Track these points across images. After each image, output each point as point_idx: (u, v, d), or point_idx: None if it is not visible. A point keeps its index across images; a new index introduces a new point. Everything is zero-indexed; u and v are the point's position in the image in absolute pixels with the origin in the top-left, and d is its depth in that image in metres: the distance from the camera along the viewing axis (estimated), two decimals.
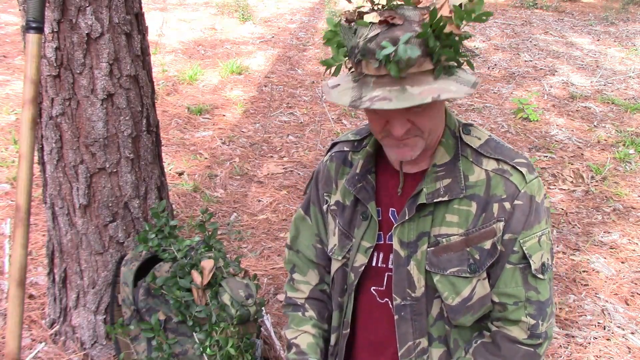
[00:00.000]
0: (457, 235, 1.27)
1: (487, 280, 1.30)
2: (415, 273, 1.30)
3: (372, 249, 1.35)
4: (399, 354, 1.35)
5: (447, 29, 1.09)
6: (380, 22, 1.11)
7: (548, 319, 1.30)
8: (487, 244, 1.26)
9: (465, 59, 1.18)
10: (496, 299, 1.30)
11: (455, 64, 1.14)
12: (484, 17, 1.11)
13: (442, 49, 1.09)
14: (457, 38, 1.12)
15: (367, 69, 1.12)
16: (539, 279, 1.28)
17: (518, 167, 1.26)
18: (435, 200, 1.26)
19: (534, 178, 1.26)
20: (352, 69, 1.18)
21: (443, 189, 1.26)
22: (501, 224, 1.25)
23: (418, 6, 1.16)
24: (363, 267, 1.36)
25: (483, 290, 1.29)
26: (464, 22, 1.12)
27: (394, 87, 1.09)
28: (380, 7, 1.15)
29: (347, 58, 1.16)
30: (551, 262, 1.30)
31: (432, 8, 1.07)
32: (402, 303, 1.32)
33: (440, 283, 1.29)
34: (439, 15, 1.08)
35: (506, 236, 1.26)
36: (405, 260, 1.31)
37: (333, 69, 1.17)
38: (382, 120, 1.20)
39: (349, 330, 1.43)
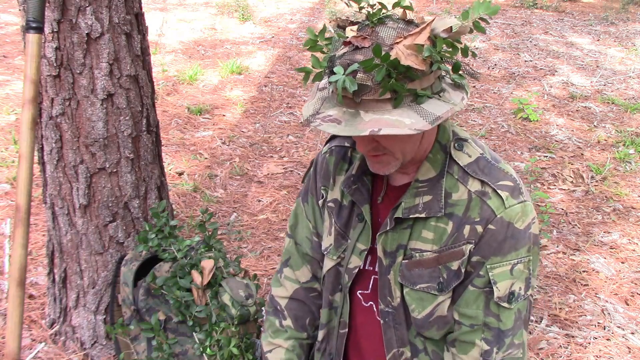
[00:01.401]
0: (430, 252, 1.25)
1: (450, 300, 1.28)
2: (393, 283, 1.30)
3: (366, 252, 1.35)
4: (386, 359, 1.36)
5: (406, 62, 1.03)
6: (346, 43, 1.09)
7: (506, 349, 1.24)
8: (455, 265, 1.23)
9: (457, 80, 1.13)
10: (457, 317, 1.28)
11: (428, 93, 1.08)
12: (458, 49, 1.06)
13: (395, 83, 1.04)
14: (417, 71, 1.06)
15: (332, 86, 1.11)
16: (502, 307, 1.23)
17: (499, 191, 1.20)
18: (411, 216, 1.24)
19: (516, 203, 1.19)
20: None
21: (422, 205, 1.23)
22: (470, 246, 1.21)
23: (412, 20, 1.12)
24: (357, 269, 1.36)
25: (445, 309, 1.27)
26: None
27: (350, 110, 1.08)
28: (367, 15, 1.12)
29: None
30: (524, 292, 1.24)
31: (375, 45, 1.03)
32: (386, 309, 1.33)
33: (409, 296, 1.28)
34: (413, 42, 1.05)
35: (474, 258, 1.22)
36: (386, 269, 1.30)
37: (312, 76, 1.15)
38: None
39: (347, 330, 1.42)
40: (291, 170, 3.97)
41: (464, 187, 1.22)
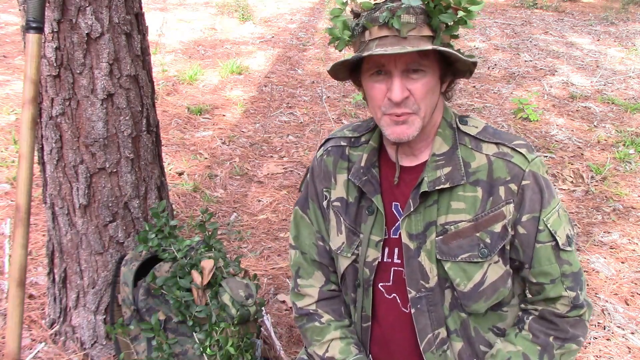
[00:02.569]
0: (465, 221, 1.29)
1: (499, 263, 1.31)
2: (427, 263, 1.31)
3: (382, 242, 1.36)
4: (421, 349, 1.36)
5: (445, 3, 1.17)
6: None
7: (583, 286, 1.32)
8: (497, 227, 1.28)
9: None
10: (533, 280, 1.32)
11: (451, 46, 1.22)
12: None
13: (440, 15, 1.17)
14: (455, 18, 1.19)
15: (370, 35, 1.19)
16: (568, 252, 1.31)
17: (518, 149, 1.29)
18: (437, 188, 1.28)
19: (535, 157, 1.30)
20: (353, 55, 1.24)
21: (444, 176, 1.29)
22: (510, 206, 1.27)
23: None
24: (377, 261, 1.37)
25: (495, 274, 1.31)
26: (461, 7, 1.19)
27: (395, 47, 1.16)
28: None
29: (350, 39, 1.24)
30: (574, 232, 1.34)
31: None
32: (417, 295, 1.33)
33: (452, 270, 1.30)
34: None
35: (524, 218, 1.28)
36: (415, 252, 1.32)
37: (337, 43, 1.25)
38: (383, 88, 1.23)
39: (369, 323, 1.44)
40: (291, 170, 3.97)
41: (480, 153, 1.31)
